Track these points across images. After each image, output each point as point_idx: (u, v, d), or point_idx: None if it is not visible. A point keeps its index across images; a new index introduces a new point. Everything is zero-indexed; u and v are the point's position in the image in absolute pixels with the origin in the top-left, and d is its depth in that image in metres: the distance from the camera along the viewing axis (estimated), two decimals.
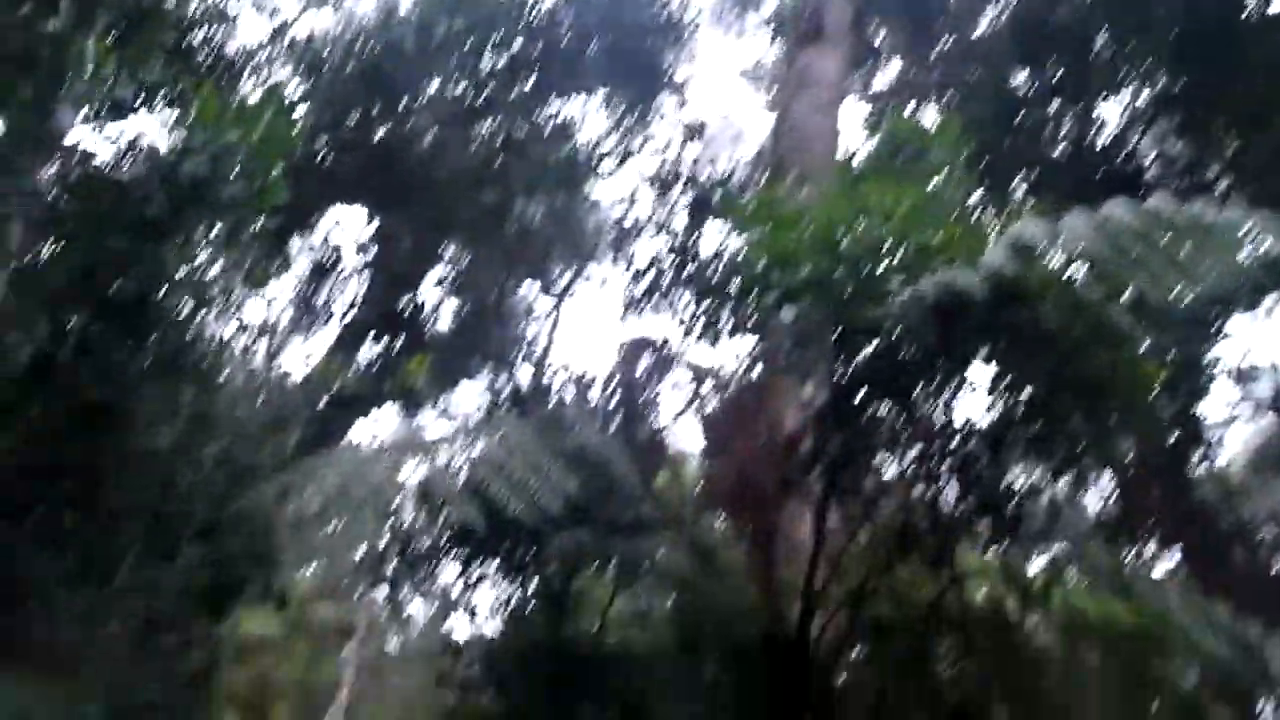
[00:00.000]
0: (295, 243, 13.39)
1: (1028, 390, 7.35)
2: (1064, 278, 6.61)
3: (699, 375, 8.48)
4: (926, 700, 8.36)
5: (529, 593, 11.50)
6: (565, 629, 10.59)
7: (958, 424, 7.72)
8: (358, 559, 10.52)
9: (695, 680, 8.94)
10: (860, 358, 7.31)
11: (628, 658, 10.51)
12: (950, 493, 7.94)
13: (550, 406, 9.28)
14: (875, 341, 7.08)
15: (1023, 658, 8.41)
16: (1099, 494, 9.82)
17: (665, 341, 8.40)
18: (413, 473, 6.82)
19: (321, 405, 10.51)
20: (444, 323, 13.41)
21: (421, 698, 18.88)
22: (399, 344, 12.41)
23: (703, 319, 8.28)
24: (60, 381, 6.62)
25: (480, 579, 11.92)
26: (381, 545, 10.44)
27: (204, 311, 7.64)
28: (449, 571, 12.66)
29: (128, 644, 7.68)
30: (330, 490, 6.59)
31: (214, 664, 10.01)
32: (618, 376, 10.20)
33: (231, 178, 7.00)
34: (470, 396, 14.56)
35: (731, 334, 8.11)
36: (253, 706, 20.08)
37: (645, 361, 8.45)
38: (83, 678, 6.41)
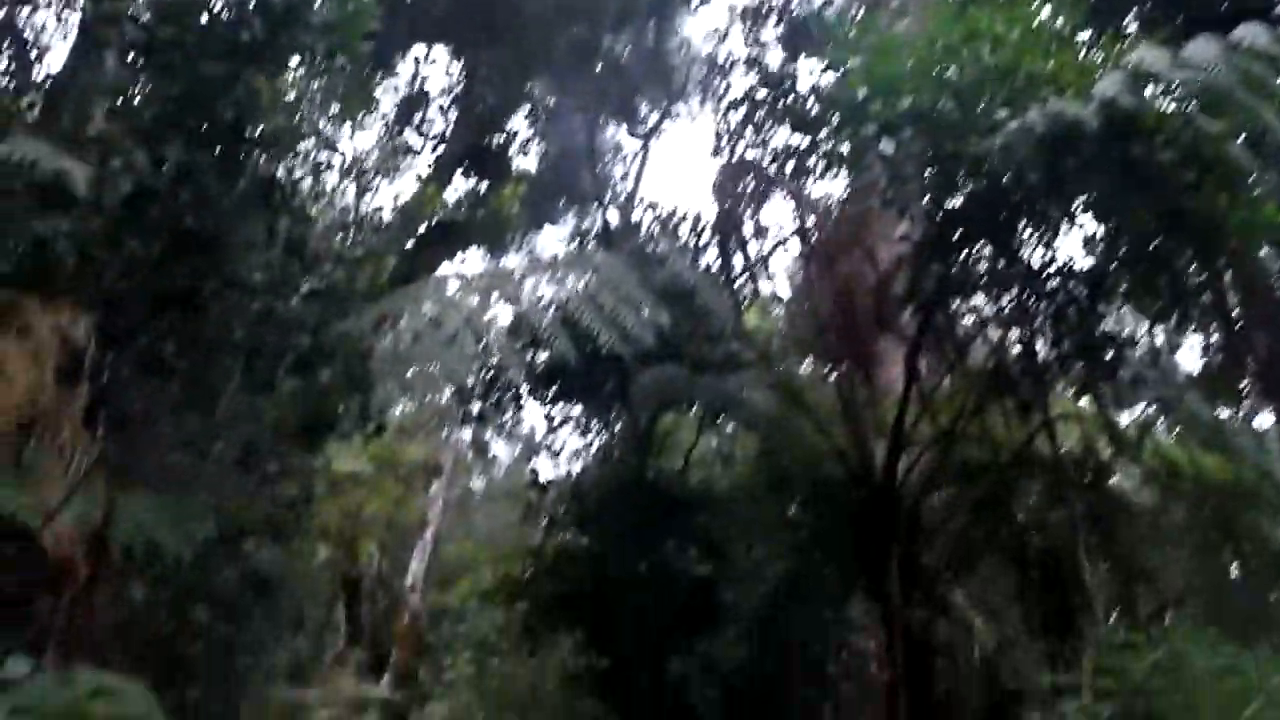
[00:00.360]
0: (384, 82, 13.29)
1: (1135, 231, 7.09)
2: (1183, 110, 6.29)
3: (794, 209, 8.30)
4: (1011, 543, 8.39)
5: (614, 432, 11.69)
6: (649, 468, 10.79)
7: (1058, 266, 7.50)
8: (449, 391, 10.77)
9: (779, 518, 9.05)
10: (961, 193, 7.08)
11: (711, 497, 10.69)
12: (1046, 336, 7.78)
13: (640, 243, 9.21)
14: (977, 177, 6.84)
15: (1110, 505, 8.36)
16: (1200, 343, 9.51)
17: (762, 169, 8.17)
18: (505, 305, 6.87)
19: (414, 239, 10.59)
20: (531, 163, 13.34)
21: (507, 535, 19.48)
22: (486, 183, 12.37)
23: (798, 154, 8.06)
24: (159, 212, 6.72)
25: (566, 419, 12.15)
26: (472, 378, 10.64)
27: (299, 141, 7.64)
28: (536, 411, 12.94)
29: (231, 471, 7.98)
30: (424, 321, 6.68)
31: (308, 494, 10.34)
32: (710, 210, 10.07)
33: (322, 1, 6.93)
34: (557, 240, 14.60)
35: (827, 169, 7.89)
36: (342, 540, 20.95)
37: (740, 192, 8.27)
38: (193, 499, 6.65)
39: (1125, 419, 8.80)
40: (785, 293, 11.10)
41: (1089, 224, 7.48)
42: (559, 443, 12.92)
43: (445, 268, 11.90)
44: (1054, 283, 7.57)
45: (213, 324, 6.94)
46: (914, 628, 7.91)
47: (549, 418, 11.67)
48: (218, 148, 6.99)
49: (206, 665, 9.16)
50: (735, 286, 9.33)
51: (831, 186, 9.09)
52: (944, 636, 8.16)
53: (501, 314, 6.89)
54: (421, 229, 10.62)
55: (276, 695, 16.86)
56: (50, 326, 5.45)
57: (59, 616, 5.49)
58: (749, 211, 8.53)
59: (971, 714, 7.89)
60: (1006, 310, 7.74)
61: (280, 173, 7.53)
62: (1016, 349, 7.88)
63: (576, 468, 12.03)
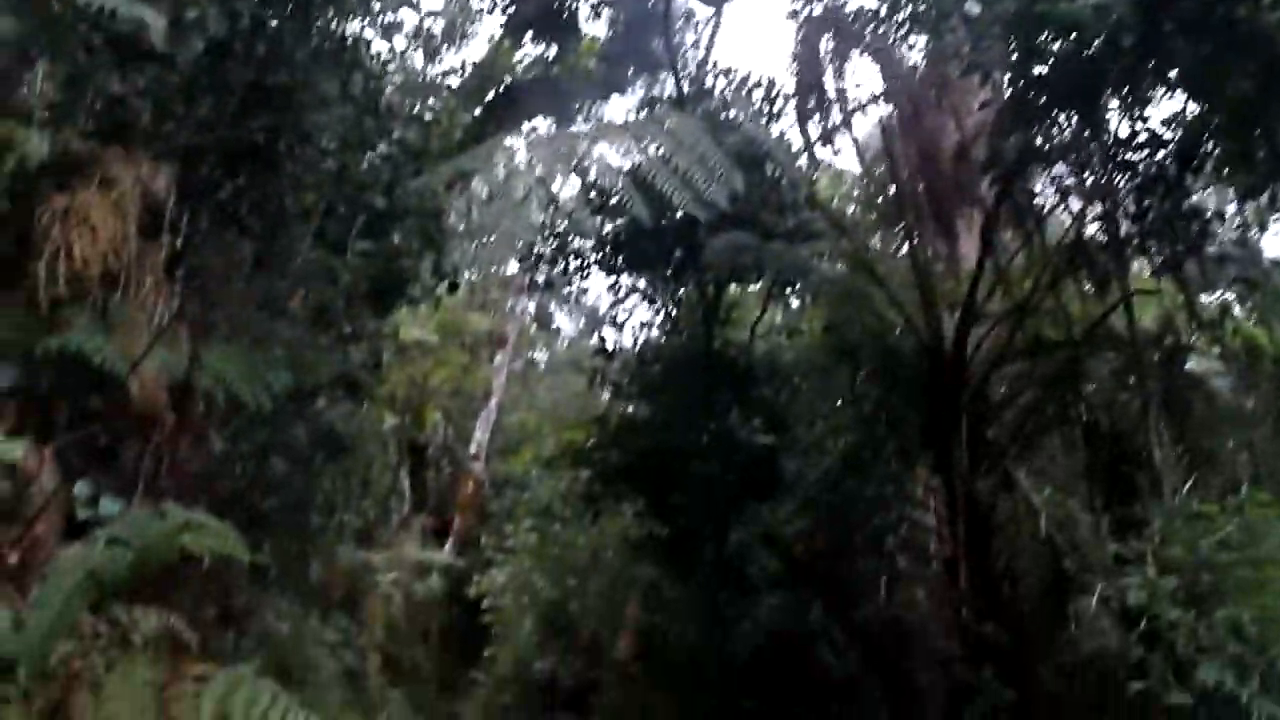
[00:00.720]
0: None
1: (1232, 101, 6.77)
2: None
3: (875, 73, 8.05)
4: (1079, 421, 8.30)
5: (681, 302, 11.67)
6: (715, 338, 10.78)
7: (1145, 137, 7.23)
8: (518, 256, 10.76)
9: (845, 390, 9.02)
10: (1047, 59, 6.80)
11: (776, 369, 10.68)
12: (1128, 211, 7.55)
13: (713, 109, 9.02)
14: (1066, 40, 6.55)
15: (1186, 385, 8.20)
16: None
17: (843, 28, 7.88)
18: (577, 168, 6.79)
19: (482, 106, 10.46)
20: (601, 29, 12.99)
21: (570, 406, 19.71)
22: (555, 49, 12.11)
23: (879, 16, 7.75)
24: (233, 67, 6.70)
25: (633, 289, 12.13)
26: (541, 245, 10.63)
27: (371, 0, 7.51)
28: (601, 284, 12.93)
29: (305, 330, 8.10)
30: (497, 182, 6.63)
31: (377, 358, 10.47)
32: (785, 76, 9.78)
33: None
34: (626, 110, 14.27)
35: (909, 32, 7.61)
36: (408, 407, 21.34)
37: (818, 55, 8.02)
38: (269, 353, 6.77)
39: (1206, 298, 8.60)
40: (861, 161, 10.84)
41: (1179, 98, 7.20)
42: (624, 315, 12.95)
43: (512, 136, 11.77)
44: (1140, 155, 7.31)
45: (287, 181, 6.98)
46: (978, 502, 7.93)
47: (615, 288, 11.65)
48: (290, 3, 6.94)
49: (281, 521, 9.44)
50: (810, 154, 9.14)
51: (912, 51, 8.79)
52: (1007, 512, 8.15)
53: (573, 177, 6.83)
54: (490, 95, 10.49)
55: (345, 556, 17.46)
56: (131, 179, 5.50)
57: (146, 463, 5.68)
58: (827, 75, 8.28)
59: (1031, 589, 7.92)
60: (1088, 182, 7.50)
61: (353, 31, 7.47)
62: (1096, 223, 7.67)
63: (642, 338, 12.06)
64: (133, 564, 4.03)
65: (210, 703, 4.30)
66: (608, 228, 10.79)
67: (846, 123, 7.91)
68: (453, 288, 8.69)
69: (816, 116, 8.25)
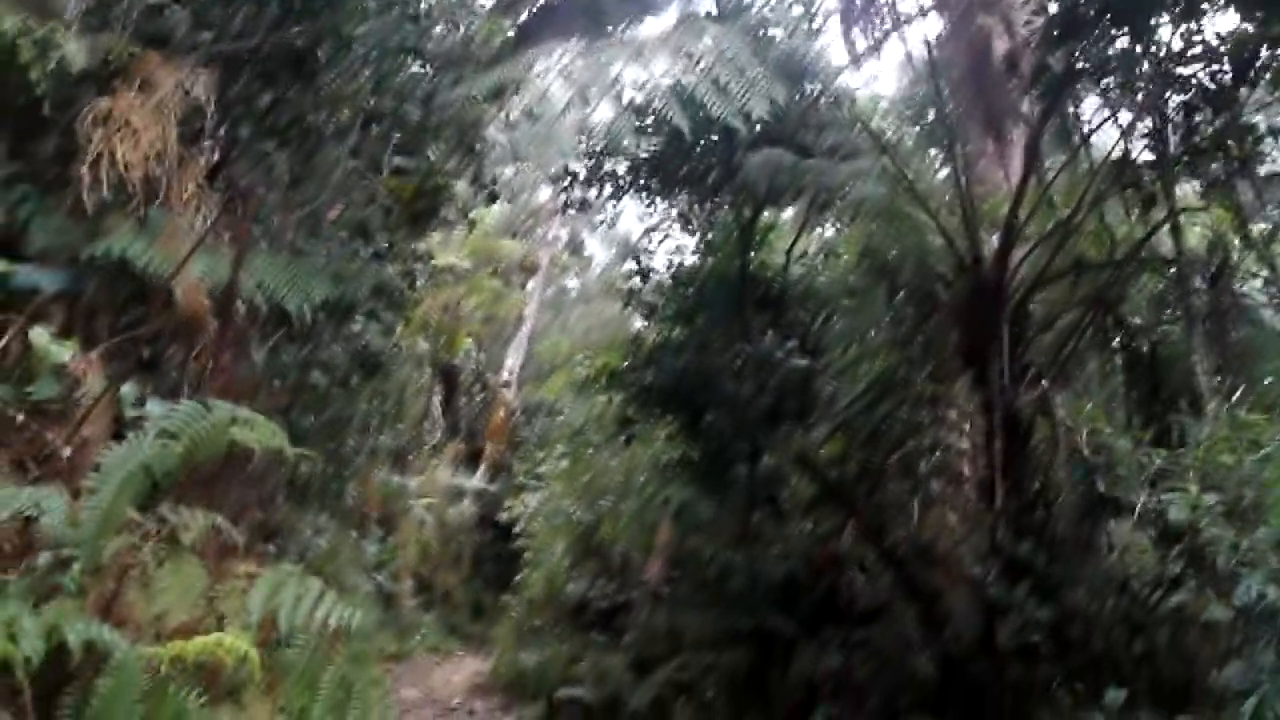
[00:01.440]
0: None
1: None
2: None
3: None
4: (1121, 342, 8.23)
5: (716, 224, 11.60)
6: (751, 261, 10.72)
7: (1200, 49, 7.05)
8: (553, 175, 10.72)
9: (882, 311, 8.96)
10: None
11: (812, 291, 10.64)
12: (1178, 127, 7.39)
13: (752, 20, 8.84)
14: None
15: (1232, 306, 8.09)
16: None
17: None
18: (616, 80, 6.70)
19: (516, 25, 10.30)
20: None
21: (602, 334, 19.73)
22: None
23: None
24: None
25: (669, 210, 12.07)
26: (577, 164, 10.56)
27: None
28: (636, 208, 12.85)
29: (340, 248, 8.11)
30: (536, 92, 6.58)
31: (412, 278, 10.47)
32: None
33: None
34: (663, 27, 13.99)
35: None
36: (441, 331, 21.47)
37: None
38: (311, 264, 6.77)
39: (1257, 218, 8.43)
40: (906, 75, 10.65)
41: (1234, 14, 7.00)
42: (658, 238, 12.90)
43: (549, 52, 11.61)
44: (1192, 69, 7.14)
45: (325, 93, 6.94)
46: (1015, 423, 7.89)
47: (650, 207, 11.59)
48: None
49: (319, 440, 9.52)
50: (854, 68, 8.99)
51: None
52: (1044, 433, 8.11)
53: (609, 97, 6.74)
54: (525, 12, 10.33)
55: (379, 478, 17.69)
56: (172, 83, 5.47)
57: (190, 370, 5.73)
58: None
59: (1067, 510, 7.90)
60: (1137, 98, 7.34)
61: None
62: (1144, 140, 7.52)
63: (677, 261, 12.01)
64: (183, 456, 4.09)
65: (259, 598, 4.38)
66: (643, 146, 10.70)
67: (894, 33, 7.72)
68: (492, 198, 8.66)
69: (862, 27, 8.07)
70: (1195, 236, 8.26)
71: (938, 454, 9.63)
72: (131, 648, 4.01)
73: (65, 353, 4.93)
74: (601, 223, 18.35)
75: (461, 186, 9.04)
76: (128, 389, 4.90)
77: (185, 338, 5.80)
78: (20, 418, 4.71)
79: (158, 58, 5.70)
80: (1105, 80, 7.44)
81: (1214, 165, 7.50)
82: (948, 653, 8.06)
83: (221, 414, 4.18)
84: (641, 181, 11.02)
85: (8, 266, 5.17)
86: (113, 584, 4.38)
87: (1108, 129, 8.01)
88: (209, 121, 5.86)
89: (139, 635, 4.31)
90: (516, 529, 18.69)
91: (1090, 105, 7.97)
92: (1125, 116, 7.54)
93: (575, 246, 27.42)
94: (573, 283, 28.88)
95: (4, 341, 5.03)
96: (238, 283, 5.65)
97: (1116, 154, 7.64)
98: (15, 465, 4.67)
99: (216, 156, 6.10)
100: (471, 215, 11.95)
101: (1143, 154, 7.52)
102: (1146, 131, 7.49)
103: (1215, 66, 7.01)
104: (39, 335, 4.86)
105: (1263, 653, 5.20)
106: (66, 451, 4.63)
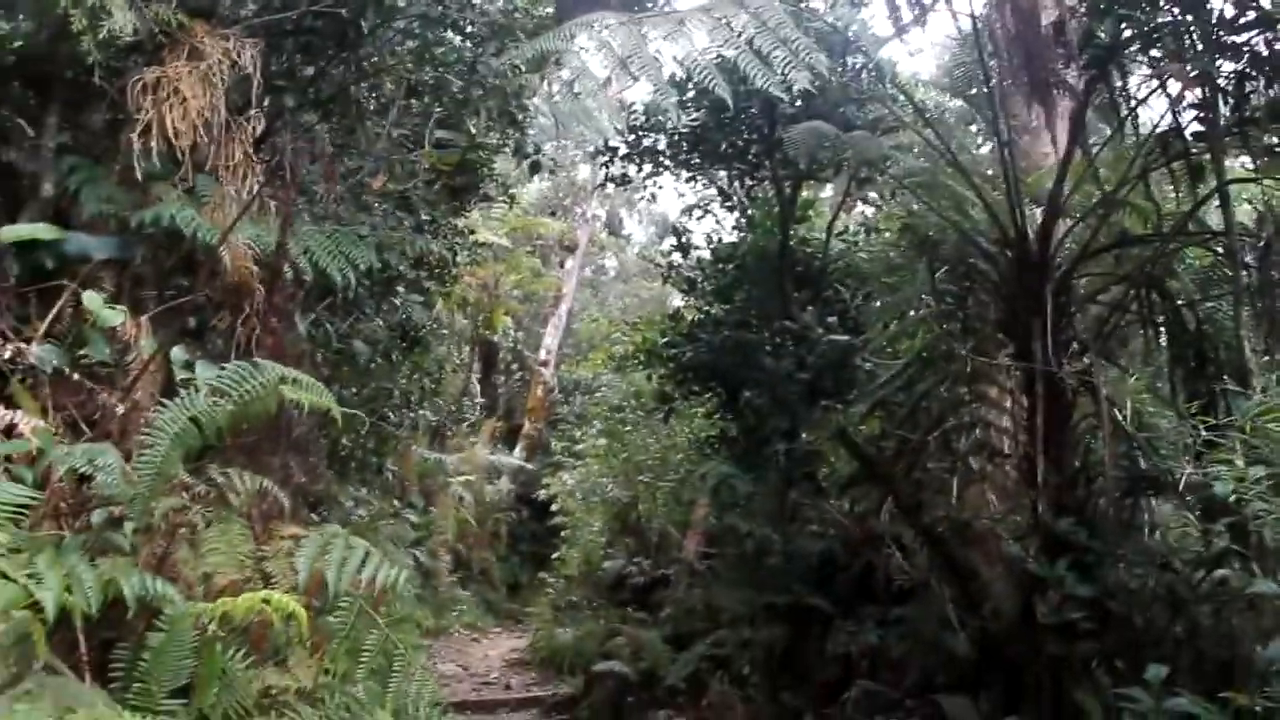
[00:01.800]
0: None
1: None
2: None
3: None
4: (1166, 316, 8.11)
5: (756, 199, 11.58)
6: (791, 236, 10.69)
7: (1253, 16, 6.91)
8: (595, 151, 10.72)
9: (924, 285, 8.88)
10: None
11: (852, 266, 10.59)
12: (1229, 96, 7.24)
13: None
14: None
15: None
16: None
17: None
18: (658, 50, 6.67)
19: None
20: None
21: (641, 311, 19.76)
22: None
23: None
24: None
25: (709, 185, 12.05)
26: (616, 134, 10.56)
27: None
28: (675, 185, 12.84)
29: (382, 219, 8.18)
30: (579, 63, 6.57)
31: (452, 254, 10.50)
32: None
33: None
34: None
35: None
36: (480, 308, 21.56)
37: None
38: (355, 233, 6.81)
39: None
40: (946, 48, 10.57)
41: None
42: (698, 213, 12.90)
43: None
44: (1246, 36, 7.01)
45: (368, 65, 6.98)
46: (1057, 399, 7.82)
47: (691, 181, 11.59)
48: None
49: (360, 412, 9.61)
50: (896, 39, 8.89)
51: None
52: (1087, 409, 8.04)
53: (652, 63, 6.70)
54: None
55: (418, 454, 17.84)
56: (220, 51, 5.54)
57: (237, 336, 5.81)
58: None
59: (1109, 486, 7.82)
60: (1188, 66, 7.20)
61: None
62: (1193, 111, 7.39)
63: (716, 237, 12.00)
64: (233, 414, 4.16)
65: (307, 557, 4.46)
66: (684, 121, 10.71)
67: (939, 2, 7.62)
68: (535, 168, 8.67)
69: None
70: (1244, 210, 8.12)
71: (977, 431, 9.57)
72: (184, 603, 4.10)
73: (117, 317, 5.02)
74: (641, 199, 18.34)
75: (502, 161, 9.08)
76: (177, 352, 4.97)
77: (232, 305, 5.88)
78: (75, 378, 4.81)
79: (205, 27, 5.77)
80: (1154, 49, 7.33)
81: (1266, 136, 7.37)
82: (986, 630, 8.03)
83: (271, 373, 4.25)
84: (682, 156, 11.02)
85: (60, 234, 5.27)
86: (163, 542, 4.47)
87: (1156, 100, 7.89)
88: (255, 91, 5.93)
89: (188, 593, 4.40)
90: (553, 506, 18.82)
91: (1138, 76, 7.84)
92: (1174, 87, 7.41)
93: (614, 225, 27.44)
94: (611, 261, 28.92)
95: (57, 306, 5.13)
96: (284, 251, 5.72)
97: (1164, 125, 7.52)
98: (69, 426, 4.77)
99: (262, 126, 6.15)
100: (512, 191, 12.00)
101: (1191, 125, 7.39)
102: (1196, 102, 7.35)
103: (1270, 34, 6.88)
104: (92, 299, 4.94)
105: None
106: (120, 409, 4.72)
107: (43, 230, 5.19)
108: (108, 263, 5.52)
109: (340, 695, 4.87)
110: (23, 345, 4.72)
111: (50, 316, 5.07)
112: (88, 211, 5.48)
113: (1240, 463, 5.98)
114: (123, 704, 3.74)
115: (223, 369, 4.52)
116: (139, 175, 5.46)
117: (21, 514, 3.89)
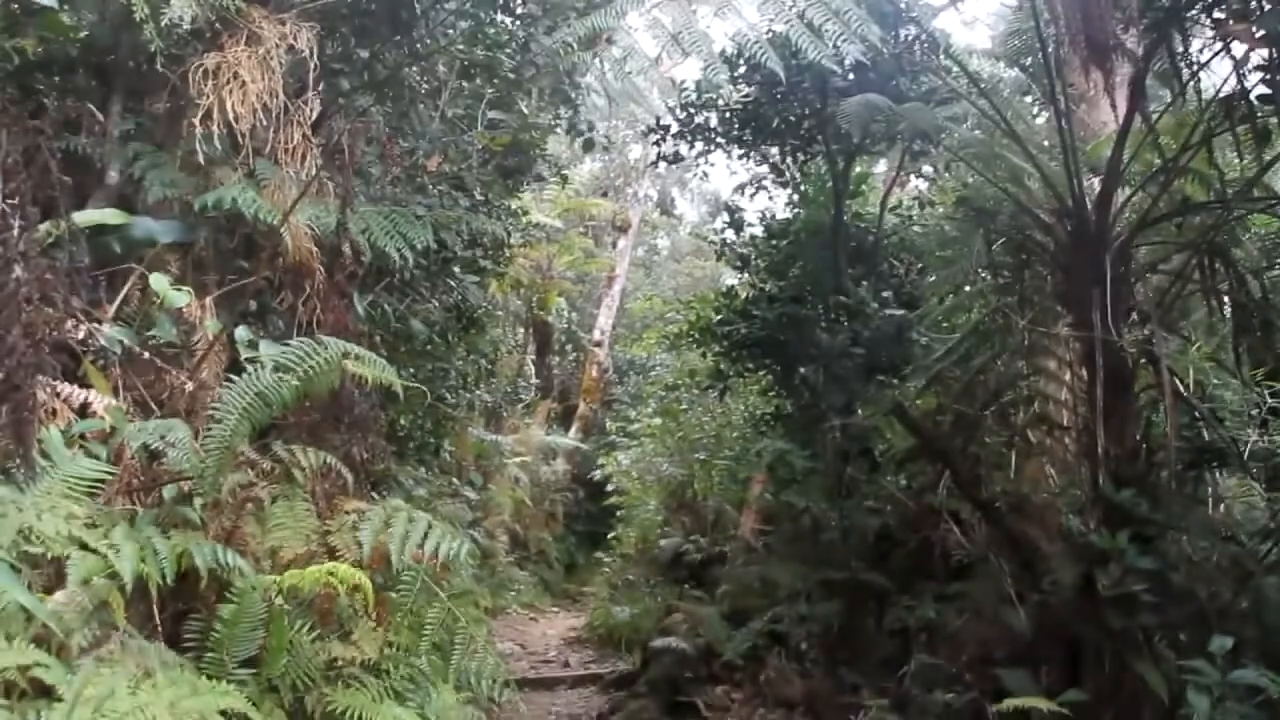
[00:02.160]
0: None
1: None
2: None
3: None
4: (1230, 285, 7.97)
5: (810, 174, 11.51)
6: (845, 210, 10.63)
7: None
8: (646, 129, 10.71)
9: (980, 258, 8.80)
10: None
11: (906, 240, 10.52)
12: None
13: None
14: None
15: None
16: None
17: None
18: (710, 23, 6.68)
19: None
20: None
21: (694, 290, 19.76)
22: None
23: None
24: None
25: (761, 161, 11.99)
26: (668, 111, 10.55)
27: None
28: (727, 163, 12.79)
29: (441, 196, 8.26)
30: (628, 42, 6.60)
31: (506, 234, 10.57)
32: None
33: None
34: None
35: None
36: (534, 289, 21.71)
37: None
38: (412, 214, 6.88)
39: None
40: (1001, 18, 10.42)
41: None
42: (750, 190, 12.86)
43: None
44: None
45: (423, 42, 7.04)
46: (1118, 370, 7.72)
47: (744, 157, 11.53)
48: None
49: (418, 392, 9.72)
50: (950, 8, 8.81)
51: None
52: (1148, 380, 7.93)
53: (703, 39, 6.71)
54: None
55: (474, 435, 18.01)
56: (277, 35, 5.63)
57: (298, 316, 5.92)
58: None
59: (1171, 458, 7.72)
60: (1254, 27, 7.02)
61: None
62: (1258, 74, 7.22)
63: (769, 213, 11.96)
64: (298, 389, 4.25)
65: (371, 530, 4.55)
66: (735, 97, 10.68)
67: None
68: (588, 145, 8.71)
69: None
70: None
71: (1035, 404, 9.48)
72: (253, 575, 4.21)
73: (182, 298, 5.14)
74: (693, 178, 18.30)
75: (554, 142, 9.11)
76: (241, 331, 5.09)
77: (293, 286, 6.00)
78: (144, 358, 4.94)
79: (262, 12, 5.86)
80: (1217, 10, 7.17)
81: None
82: (1045, 603, 7.96)
83: (334, 349, 4.33)
84: (734, 133, 10.99)
85: (126, 218, 5.40)
86: (231, 517, 4.59)
87: (1219, 63, 7.72)
88: (311, 75, 6.02)
89: (256, 567, 4.51)
90: (609, 486, 18.91)
91: (1200, 39, 7.67)
92: (1239, 49, 7.24)
93: (666, 204, 27.43)
94: (664, 241, 28.92)
95: (125, 289, 5.26)
96: (343, 231, 5.82)
97: (1228, 89, 7.36)
98: (138, 405, 4.90)
99: (319, 109, 6.24)
100: (564, 171, 12.04)
101: (1257, 88, 7.21)
102: (1262, 64, 7.18)
103: None
104: (158, 281, 5.07)
105: None
106: (189, 387, 4.84)
107: (110, 215, 5.33)
108: (172, 246, 5.65)
109: (404, 667, 4.98)
110: (94, 327, 4.85)
111: (119, 299, 5.21)
112: (152, 196, 5.61)
113: None
114: (196, 671, 3.85)
115: (287, 344, 4.62)
116: (200, 159, 5.58)
117: (97, 489, 4.01)
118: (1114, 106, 8.06)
